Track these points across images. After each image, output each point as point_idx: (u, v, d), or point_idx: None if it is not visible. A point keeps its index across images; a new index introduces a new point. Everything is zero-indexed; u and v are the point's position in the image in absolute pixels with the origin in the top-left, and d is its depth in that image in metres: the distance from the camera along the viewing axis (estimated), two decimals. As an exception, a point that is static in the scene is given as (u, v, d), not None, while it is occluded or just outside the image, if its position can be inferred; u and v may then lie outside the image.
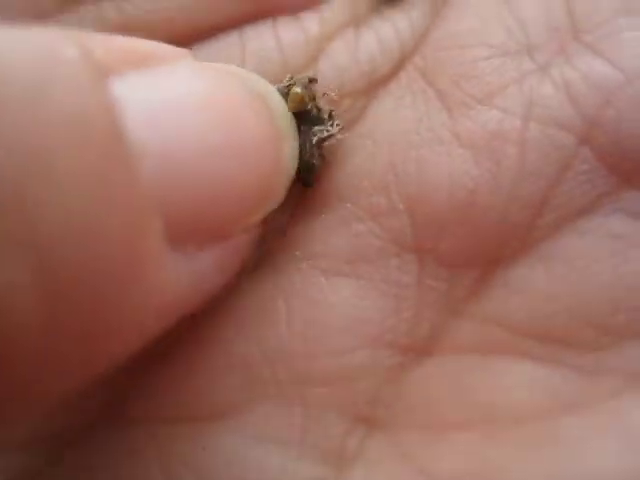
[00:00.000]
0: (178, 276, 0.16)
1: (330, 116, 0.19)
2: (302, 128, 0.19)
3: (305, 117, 0.19)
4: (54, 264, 0.14)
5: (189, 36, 0.20)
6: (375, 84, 0.20)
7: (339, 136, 0.19)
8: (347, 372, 0.18)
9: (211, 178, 0.16)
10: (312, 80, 0.19)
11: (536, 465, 0.16)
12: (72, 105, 0.14)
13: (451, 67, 0.19)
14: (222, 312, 0.19)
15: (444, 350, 0.18)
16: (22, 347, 0.14)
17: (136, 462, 0.18)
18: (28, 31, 0.15)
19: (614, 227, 0.17)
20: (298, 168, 0.19)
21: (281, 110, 0.18)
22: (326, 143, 0.19)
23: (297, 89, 0.19)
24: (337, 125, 0.19)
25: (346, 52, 0.20)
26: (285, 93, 0.19)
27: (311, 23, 0.20)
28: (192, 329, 0.19)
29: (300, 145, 0.19)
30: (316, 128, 0.19)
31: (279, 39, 0.20)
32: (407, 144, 0.19)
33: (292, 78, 0.19)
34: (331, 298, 0.18)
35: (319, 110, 0.19)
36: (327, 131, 0.19)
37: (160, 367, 0.19)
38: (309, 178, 0.19)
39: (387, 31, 0.20)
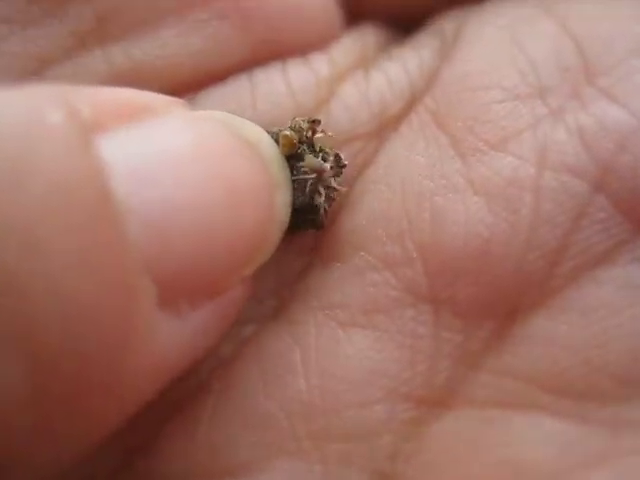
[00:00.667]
0: (172, 336, 0.16)
1: (336, 158, 0.19)
2: (301, 170, 0.19)
3: (302, 159, 0.19)
4: (42, 335, 0.14)
5: (198, 81, 0.19)
6: (386, 125, 0.20)
7: (339, 178, 0.19)
8: (366, 427, 0.17)
9: (203, 232, 0.16)
10: (315, 121, 0.19)
11: None
12: (57, 174, 0.14)
13: (463, 110, 0.19)
14: (240, 365, 0.18)
15: (462, 404, 0.17)
16: (11, 420, 0.14)
17: None
18: (11, 93, 0.15)
19: (632, 277, 0.17)
20: (303, 212, 0.19)
21: (272, 156, 0.18)
22: (330, 184, 0.19)
23: (286, 132, 0.19)
24: (339, 167, 0.19)
25: (357, 93, 0.20)
26: (276, 139, 0.19)
27: (321, 65, 0.20)
28: (207, 384, 0.18)
29: (303, 188, 0.19)
30: (314, 168, 0.19)
31: (289, 83, 0.20)
32: (421, 191, 0.18)
33: (295, 119, 0.19)
34: (348, 350, 0.18)
35: (321, 151, 0.19)
36: (327, 173, 0.19)
37: (176, 421, 0.18)
38: (316, 220, 0.19)
39: (397, 71, 0.20)
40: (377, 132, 0.20)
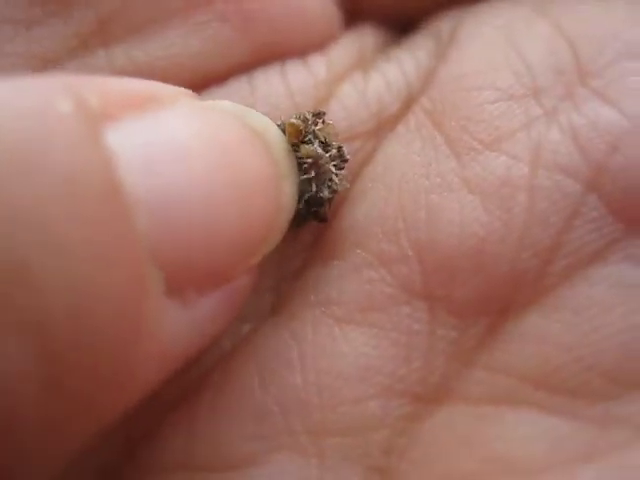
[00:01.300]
0: (179, 324, 0.16)
1: (339, 151, 0.19)
2: (309, 162, 0.19)
3: (312, 153, 0.19)
4: (54, 327, 0.14)
5: (199, 82, 0.20)
6: (384, 125, 0.20)
7: (345, 172, 0.19)
8: (361, 422, 0.18)
9: (211, 221, 0.16)
10: (319, 113, 0.19)
11: None
12: (68, 165, 0.14)
13: (458, 110, 0.19)
14: (238, 360, 0.19)
15: (455, 400, 0.18)
16: (23, 413, 0.14)
17: None
18: (21, 84, 0.15)
19: (624, 275, 0.18)
20: (309, 204, 0.19)
21: (279, 145, 0.18)
22: (336, 177, 0.19)
23: (292, 120, 0.19)
24: (342, 160, 0.19)
25: (355, 94, 0.20)
26: (283, 128, 0.19)
27: (319, 66, 0.20)
28: (206, 377, 0.19)
29: (308, 180, 0.19)
30: (323, 161, 0.19)
31: (288, 84, 0.20)
32: (417, 189, 0.19)
33: (299, 112, 0.19)
34: (344, 347, 0.18)
35: (326, 142, 0.19)
36: (334, 165, 0.19)
37: (173, 415, 0.19)
38: (321, 212, 0.19)
39: (394, 72, 0.20)
40: (375, 132, 0.20)
